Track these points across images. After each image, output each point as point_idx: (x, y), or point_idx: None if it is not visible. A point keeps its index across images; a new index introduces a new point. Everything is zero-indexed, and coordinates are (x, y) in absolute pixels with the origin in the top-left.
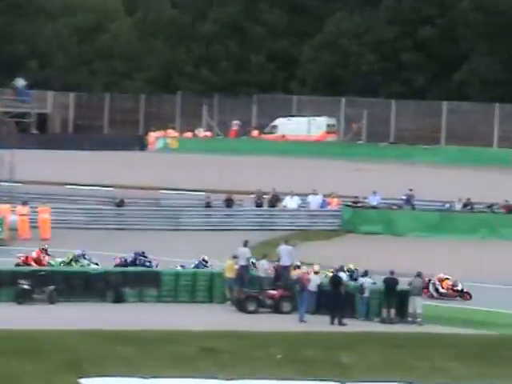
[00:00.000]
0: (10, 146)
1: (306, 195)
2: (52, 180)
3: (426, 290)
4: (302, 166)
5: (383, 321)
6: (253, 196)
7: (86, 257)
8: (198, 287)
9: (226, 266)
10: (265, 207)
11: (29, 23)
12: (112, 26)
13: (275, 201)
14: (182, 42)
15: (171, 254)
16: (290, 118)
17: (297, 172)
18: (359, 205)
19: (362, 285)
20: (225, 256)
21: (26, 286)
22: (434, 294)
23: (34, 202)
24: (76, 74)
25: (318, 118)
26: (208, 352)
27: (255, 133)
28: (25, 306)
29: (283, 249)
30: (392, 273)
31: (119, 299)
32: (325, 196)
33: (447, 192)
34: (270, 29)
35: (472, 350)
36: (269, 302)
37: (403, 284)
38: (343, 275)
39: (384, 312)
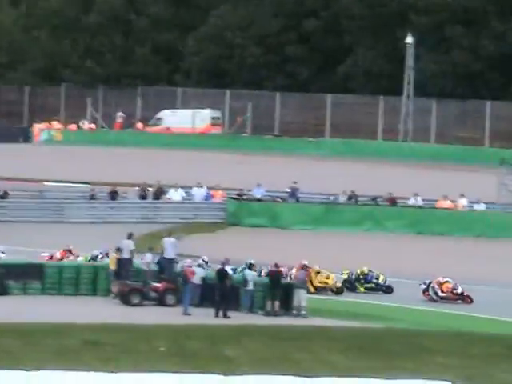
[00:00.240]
0: None
1: (191, 188)
2: None
3: (426, 293)
4: (187, 158)
5: (267, 313)
6: (137, 188)
7: None
8: (82, 280)
9: (110, 259)
10: (149, 200)
11: None
12: None
13: (160, 193)
14: (67, 33)
15: (54, 247)
16: (175, 110)
17: (181, 164)
18: (244, 197)
19: (245, 277)
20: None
21: None
22: (434, 298)
23: None
24: None
25: (202, 111)
26: (92, 345)
27: (140, 125)
28: None
29: (167, 241)
30: (276, 265)
31: (3, 292)
32: (209, 188)
33: (332, 185)
34: (155, 21)
35: (357, 342)
36: (153, 294)
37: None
38: (228, 268)
39: (268, 305)
